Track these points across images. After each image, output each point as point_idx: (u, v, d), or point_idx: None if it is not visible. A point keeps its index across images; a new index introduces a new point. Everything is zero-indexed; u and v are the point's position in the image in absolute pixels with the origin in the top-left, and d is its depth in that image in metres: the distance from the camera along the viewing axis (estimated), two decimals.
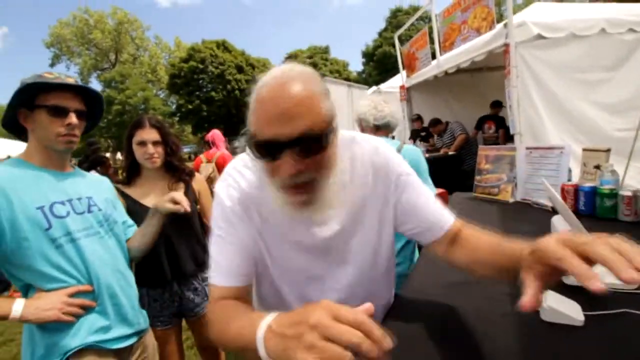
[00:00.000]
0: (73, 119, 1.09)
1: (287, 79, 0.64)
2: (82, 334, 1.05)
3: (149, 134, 1.49)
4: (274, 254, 0.82)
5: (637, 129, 2.38)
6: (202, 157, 4.28)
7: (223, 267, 0.77)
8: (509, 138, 4.96)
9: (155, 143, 1.50)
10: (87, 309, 1.08)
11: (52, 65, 38.53)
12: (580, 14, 3.35)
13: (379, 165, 0.83)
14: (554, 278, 0.55)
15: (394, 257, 0.95)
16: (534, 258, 0.56)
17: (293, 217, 0.73)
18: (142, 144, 1.48)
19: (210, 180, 3.98)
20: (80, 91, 1.14)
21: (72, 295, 1.04)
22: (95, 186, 1.26)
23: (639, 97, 2.45)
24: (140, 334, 1.24)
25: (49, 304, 1.00)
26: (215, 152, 4.19)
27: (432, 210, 0.85)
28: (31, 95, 1.06)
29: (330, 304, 0.47)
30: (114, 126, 32.08)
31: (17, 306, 0.97)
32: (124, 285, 1.20)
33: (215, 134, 4.32)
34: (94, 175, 1.32)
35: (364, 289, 0.86)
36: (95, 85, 36.17)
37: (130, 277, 1.27)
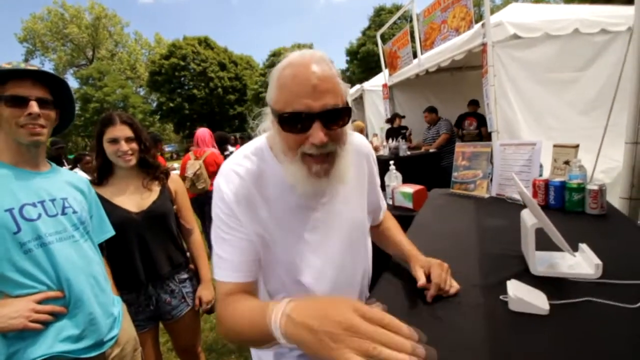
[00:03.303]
0: (34, 107, 1.02)
1: (310, 60, 0.70)
2: (48, 342, 1.00)
3: (121, 131, 1.43)
4: (276, 235, 0.82)
5: (605, 126, 2.49)
6: (190, 154, 4.28)
7: (229, 262, 0.77)
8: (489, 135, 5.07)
9: (128, 140, 1.44)
10: (58, 316, 1.02)
11: (25, 60, 36.91)
12: (554, 14, 3.45)
13: (366, 149, 1.01)
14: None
15: (368, 225, 1.07)
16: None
17: (305, 188, 0.77)
18: (114, 141, 1.41)
19: (197, 177, 4.03)
20: (42, 78, 1.06)
21: (41, 302, 0.99)
22: (73, 187, 1.19)
23: (607, 95, 2.55)
24: (113, 339, 1.19)
25: (16, 312, 0.94)
26: (205, 151, 4.21)
27: (379, 193, 1.10)
28: None
29: (353, 301, 0.52)
30: (92, 125, 31.07)
31: None
32: (98, 292, 1.14)
33: (200, 133, 4.29)
34: (74, 174, 1.25)
35: (352, 258, 0.93)
36: (72, 82, 34.99)
37: (106, 283, 1.21)
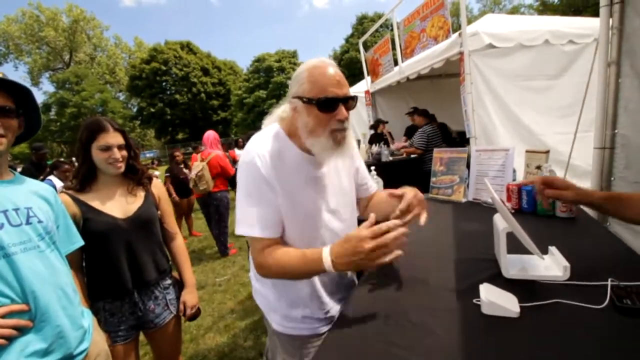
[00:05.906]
0: None
1: (329, 64, 1.00)
2: (12, 358, 0.95)
3: (115, 138, 1.42)
4: (297, 198, 1.04)
5: (575, 132, 2.59)
6: (197, 155, 4.45)
7: (263, 221, 0.99)
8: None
9: (120, 147, 1.44)
10: (23, 330, 0.98)
11: None
12: (527, 25, 3.59)
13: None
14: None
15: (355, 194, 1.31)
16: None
17: (327, 155, 1.01)
18: (107, 148, 1.40)
19: (199, 179, 4.18)
20: (3, 86, 1.02)
21: (4, 316, 0.94)
22: (38, 196, 1.14)
23: (578, 103, 2.65)
24: (83, 352, 1.14)
25: None
26: (210, 153, 4.33)
27: (367, 176, 1.36)
28: None
29: (361, 232, 0.87)
30: (68, 130, 30.07)
31: None
32: (65, 304, 1.09)
33: (205, 136, 4.49)
34: (39, 183, 1.21)
35: (348, 214, 1.20)
36: (47, 86, 33.95)
37: (74, 295, 1.16)
